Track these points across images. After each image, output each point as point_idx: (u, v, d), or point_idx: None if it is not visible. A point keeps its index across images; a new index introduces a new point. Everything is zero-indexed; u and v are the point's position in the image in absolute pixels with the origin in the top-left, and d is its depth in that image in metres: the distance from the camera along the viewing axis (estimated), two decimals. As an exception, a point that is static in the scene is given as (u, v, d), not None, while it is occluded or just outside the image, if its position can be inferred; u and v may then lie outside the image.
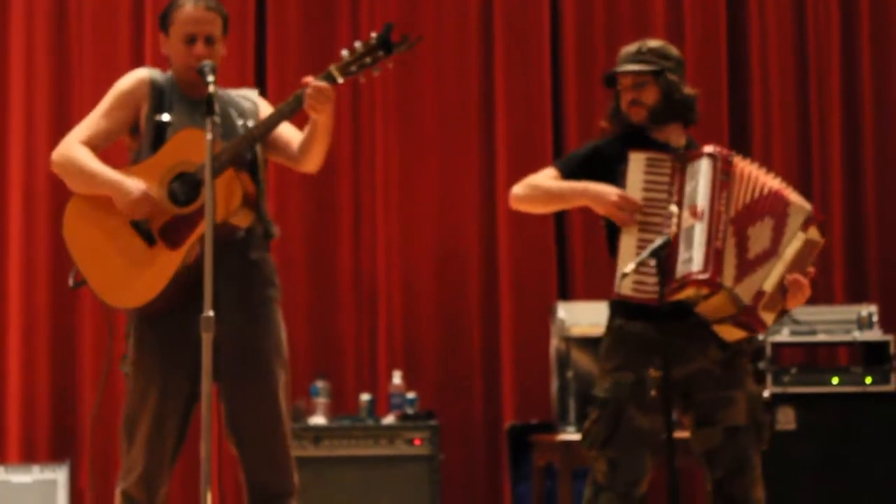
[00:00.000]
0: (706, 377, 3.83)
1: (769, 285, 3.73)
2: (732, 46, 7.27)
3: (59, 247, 3.83)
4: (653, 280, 3.64)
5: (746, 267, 3.71)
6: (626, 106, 3.94)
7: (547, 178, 3.95)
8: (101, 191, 3.73)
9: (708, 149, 3.77)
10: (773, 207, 3.78)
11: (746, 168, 3.79)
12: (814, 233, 3.83)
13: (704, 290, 3.67)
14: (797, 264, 3.78)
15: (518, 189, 3.98)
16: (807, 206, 3.84)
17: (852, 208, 7.15)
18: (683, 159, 3.79)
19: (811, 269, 3.84)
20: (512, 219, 6.83)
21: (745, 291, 3.70)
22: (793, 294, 3.77)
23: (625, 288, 3.71)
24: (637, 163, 3.80)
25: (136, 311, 3.79)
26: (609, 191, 3.78)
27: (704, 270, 3.63)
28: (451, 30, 7.14)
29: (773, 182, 3.83)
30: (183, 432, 3.83)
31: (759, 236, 3.74)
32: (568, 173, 3.92)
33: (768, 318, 3.76)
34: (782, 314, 3.83)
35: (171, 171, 3.74)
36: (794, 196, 3.84)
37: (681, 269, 3.67)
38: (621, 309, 3.85)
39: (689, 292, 3.68)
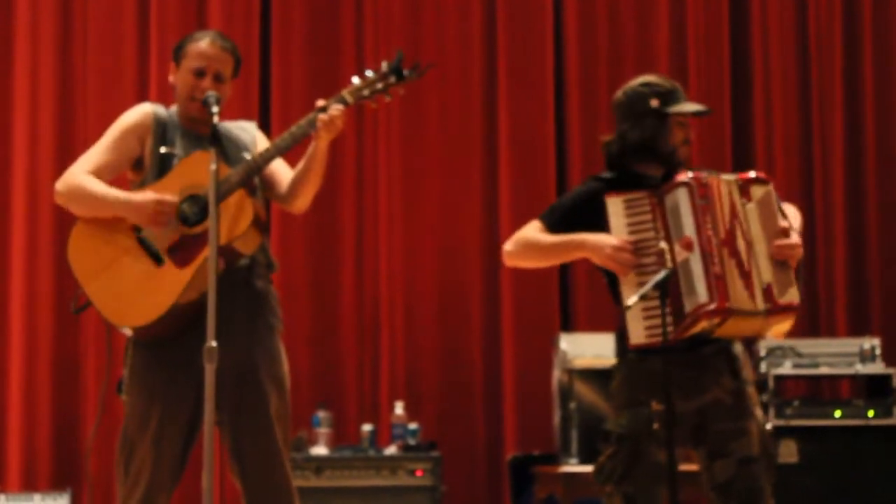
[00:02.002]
0: (719, 408, 3.79)
1: (767, 274, 3.69)
2: (735, 71, 7.28)
3: (62, 274, 3.84)
4: (664, 321, 3.61)
5: (748, 278, 3.67)
6: (680, 142, 3.88)
7: (535, 231, 3.90)
8: (114, 212, 3.74)
9: (681, 178, 3.72)
10: (732, 206, 3.73)
11: (719, 184, 3.74)
12: (757, 191, 3.77)
13: (716, 320, 3.64)
14: (769, 232, 3.74)
15: (509, 246, 3.95)
16: (731, 177, 3.78)
17: (855, 243, 7.14)
18: (660, 193, 3.74)
19: (784, 224, 3.77)
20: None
21: (756, 301, 3.68)
22: (788, 257, 3.74)
23: (639, 338, 3.67)
24: (615, 206, 3.74)
25: (138, 333, 3.78)
26: (604, 243, 3.73)
27: (711, 301, 3.59)
28: (455, 58, 7.15)
29: (724, 184, 3.77)
30: (183, 460, 3.81)
31: (741, 242, 3.70)
32: (553, 225, 3.87)
33: (792, 295, 3.73)
34: (798, 275, 3.77)
35: (182, 193, 3.75)
36: (727, 179, 3.79)
37: (688, 305, 3.62)
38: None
39: (702, 325, 3.65)
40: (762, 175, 3.85)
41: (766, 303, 3.68)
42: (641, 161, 3.90)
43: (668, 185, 3.74)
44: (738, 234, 3.70)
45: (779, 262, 3.72)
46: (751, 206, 3.74)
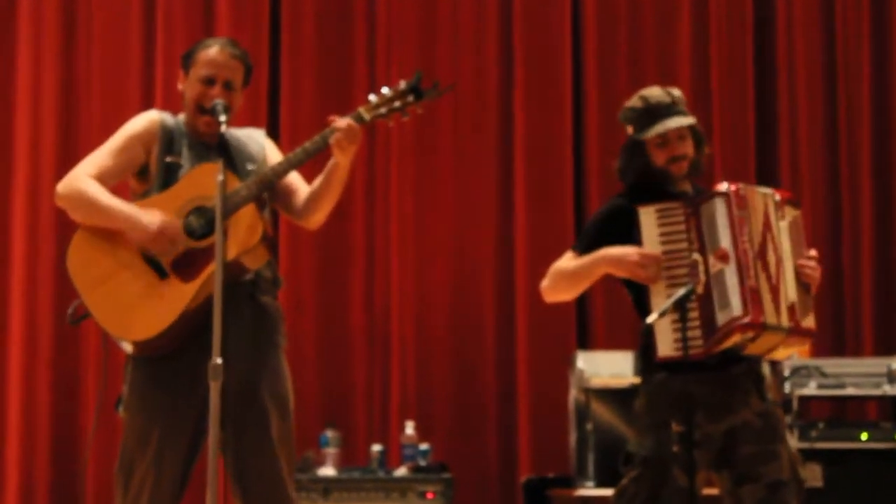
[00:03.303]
0: (748, 430, 3.79)
1: (792, 293, 3.73)
2: (759, 86, 7.25)
3: (63, 286, 3.83)
4: (692, 334, 3.62)
5: (776, 293, 3.69)
6: (665, 162, 3.87)
7: (566, 261, 3.91)
8: (114, 224, 3.72)
9: (720, 187, 3.74)
10: (766, 219, 3.76)
11: (758, 198, 3.77)
12: (790, 212, 3.82)
13: (750, 334, 3.65)
14: (797, 253, 3.78)
15: (545, 281, 3.95)
16: (769, 191, 3.82)
17: (883, 260, 7.08)
18: (695, 203, 3.76)
19: (813, 252, 3.84)
20: (530, 264, 6.81)
21: (781, 317, 3.69)
22: (811, 281, 3.78)
23: (667, 350, 3.68)
24: (648, 216, 3.77)
25: (139, 348, 3.76)
26: (627, 251, 3.75)
27: (745, 314, 3.61)
28: (470, 66, 7.13)
29: (760, 196, 3.80)
30: (184, 480, 3.78)
31: (771, 256, 3.73)
32: (585, 250, 3.87)
33: (810, 321, 3.76)
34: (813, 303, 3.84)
35: (189, 205, 3.75)
36: (764, 192, 3.82)
37: (721, 318, 3.64)
38: (661, 364, 3.77)
39: (735, 339, 3.65)
40: (794, 198, 3.90)
41: (790, 321, 3.70)
42: (641, 179, 3.91)
43: (704, 196, 3.77)
44: (770, 247, 3.72)
45: (802, 285, 3.76)
46: (783, 224, 3.79)
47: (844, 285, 6.99)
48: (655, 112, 3.87)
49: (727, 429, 3.78)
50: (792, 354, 3.91)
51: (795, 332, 3.72)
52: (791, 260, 3.76)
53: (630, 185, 3.97)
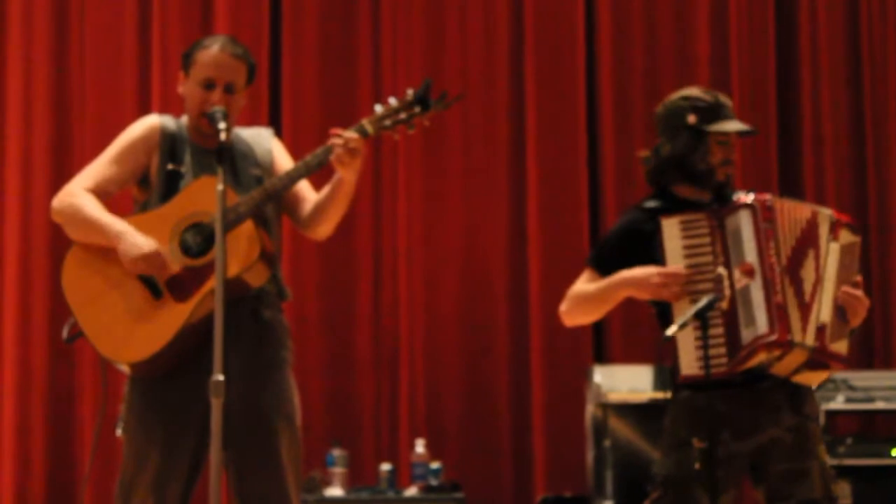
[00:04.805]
0: (779, 447, 3.77)
1: (826, 315, 3.68)
2: (781, 90, 7.25)
3: (56, 302, 3.82)
4: (717, 352, 3.60)
5: (806, 311, 3.66)
6: (718, 162, 3.85)
7: (584, 282, 3.90)
8: (107, 242, 3.71)
9: (745, 198, 3.73)
10: (809, 235, 3.74)
11: (786, 209, 3.75)
12: (846, 236, 3.78)
13: (776, 352, 3.62)
14: (843, 278, 3.74)
15: (563, 305, 3.94)
16: (826, 211, 3.79)
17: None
18: (720, 214, 3.74)
19: (859, 278, 3.80)
20: (544, 275, 6.79)
21: (808, 336, 3.66)
22: (852, 310, 3.73)
23: (690, 369, 3.66)
24: (671, 228, 3.75)
25: (134, 369, 3.75)
26: (648, 273, 3.72)
27: (771, 332, 3.58)
28: (479, 69, 7.13)
29: (807, 212, 3.78)
30: (184, 503, 3.76)
31: (808, 273, 3.70)
32: (602, 267, 3.86)
33: (841, 347, 3.72)
34: (851, 335, 3.78)
35: (186, 221, 3.72)
36: (817, 210, 3.80)
37: (746, 335, 3.61)
38: (684, 382, 3.75)
39: (760, 357, 3.63)
40: (855, 224, 3.87)
41: (816, 341, 3.67)
42: (678, 180, 3.89)
43: (729, 207, 3.75)
44: (810, 265, 3.70)
45: (840, 311, 3.72)
46: (834, 246, 3.74)
47: (873, 297, 6.93)
48: (724, 111, 3.87)
49: (755, 447, 3.76)
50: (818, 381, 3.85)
51: (820, 352, 3.67)
52: (833, 283, 3.71)
53: (648, 181, 3.94)
